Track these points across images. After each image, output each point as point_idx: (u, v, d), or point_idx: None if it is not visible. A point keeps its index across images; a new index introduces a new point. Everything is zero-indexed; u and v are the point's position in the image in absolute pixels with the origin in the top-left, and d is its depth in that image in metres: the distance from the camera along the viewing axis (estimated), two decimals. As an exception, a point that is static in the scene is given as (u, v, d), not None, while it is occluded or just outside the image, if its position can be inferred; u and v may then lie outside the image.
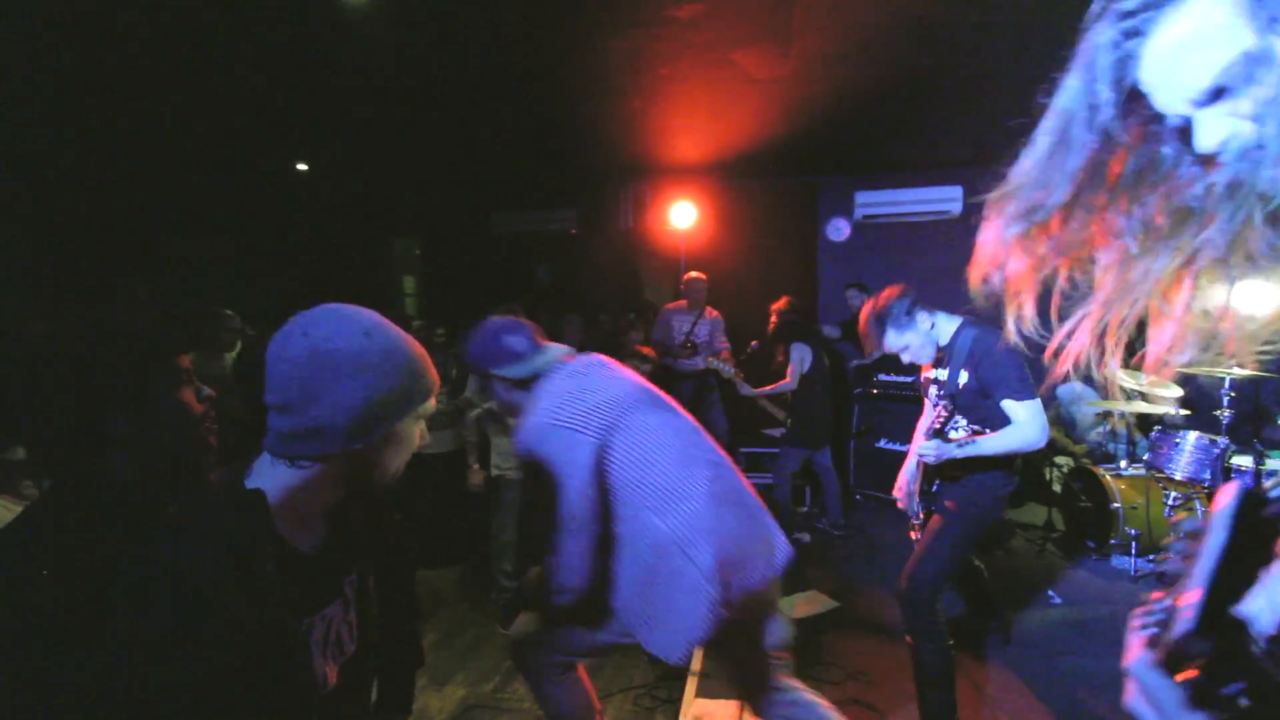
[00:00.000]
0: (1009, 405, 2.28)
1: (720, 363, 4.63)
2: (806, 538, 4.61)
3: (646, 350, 3.92)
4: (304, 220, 7.00)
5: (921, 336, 2.42)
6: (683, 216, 5.88)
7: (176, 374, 1.06)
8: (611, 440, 1.68)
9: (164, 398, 1.03)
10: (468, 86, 3.95)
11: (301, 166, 5.70)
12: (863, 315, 2.51)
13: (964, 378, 2.34)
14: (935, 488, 2.52)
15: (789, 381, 4.42)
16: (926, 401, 2.66)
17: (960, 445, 2.31)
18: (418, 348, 1.04)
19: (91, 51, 3.33)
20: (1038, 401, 2.27)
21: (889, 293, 2.44)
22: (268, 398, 0.95)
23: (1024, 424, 2.26)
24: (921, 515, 2.57)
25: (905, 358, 2.50)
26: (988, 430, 2.37)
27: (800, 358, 4.43)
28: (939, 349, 2.48)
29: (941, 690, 2.34)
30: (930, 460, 2.37)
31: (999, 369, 2.26)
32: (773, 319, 4.55)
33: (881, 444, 5.39)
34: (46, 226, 5.41)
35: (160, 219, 6.56)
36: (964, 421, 2.45)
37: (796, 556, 4.53)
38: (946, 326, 2.45)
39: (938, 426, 2.35)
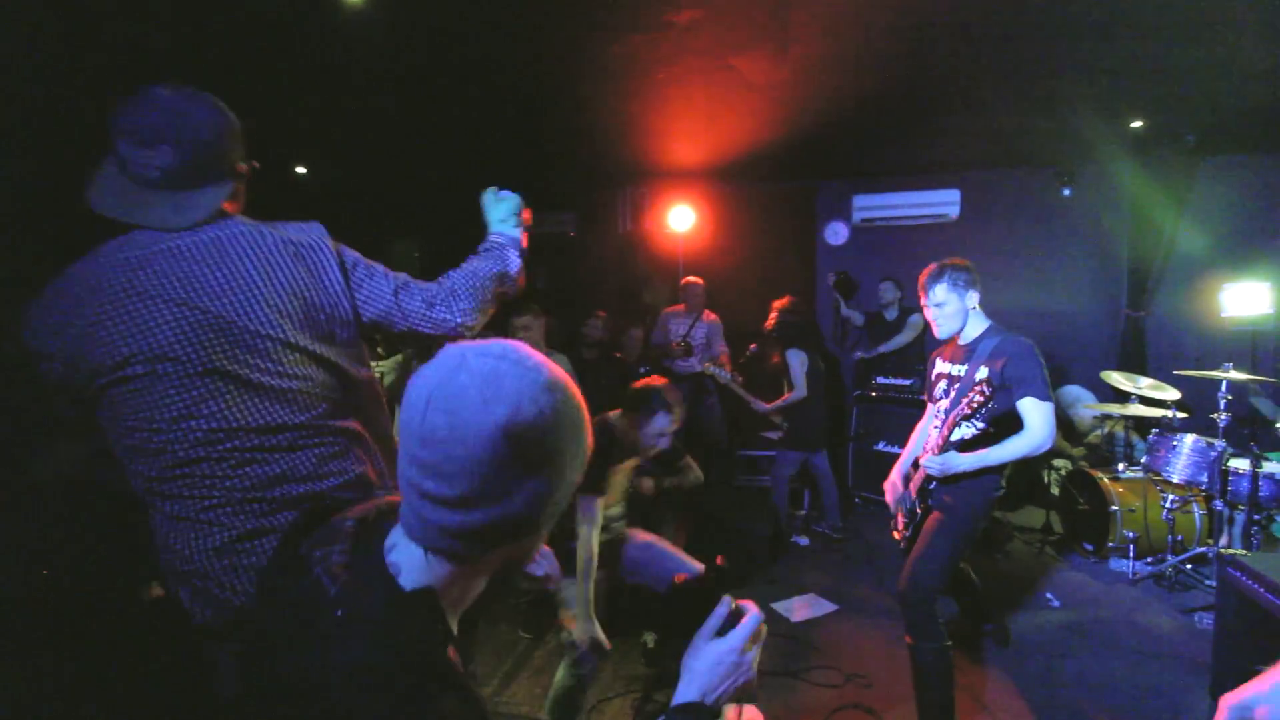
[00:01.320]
0: (1029, 403, 2.32)
1: (717, 368, 4.62)
2: (805, 541, 4.61)
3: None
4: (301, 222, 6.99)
5: (959, 307, 2.48)
6: (681, 220, 5.89)
7: None
8: None
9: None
10: (466, 90, 3.96)
11: (300, 169, 5.70)
12: (928, 268, 2.54)
13: (983, 372, 2.36)
14: (934, 485, 2.53)
15: (799, 390, 4.41)
16: (930, 405, 2.69)
17: (963, 458, 2.34)
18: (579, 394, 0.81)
19: (90, 51, 3.33)
20: (1052, 406, 2.33)
21: (960, 261, 2.51)
22: (425, 480, 0.70)
23: (1036, 428, 2.31)
24: (918, 511, 2.58)
25: (932, 315, 2.53)
26: (990, 428, 2.38)
27: (800, 364, 4.44)
28: (960, 346, 2.54)
29: (939, 691, 2.36)
30: (935, 472, 2.39)
31: (1028, 367, 2.34)
32: (772, 315, 4.55)
33: (880, 446, 5.40)
34: (44, 227, 5.40)
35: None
36: (975, 416, 2.43)
37: (795, 559, 4.57)
38: (977, 323, 2.52)
39: (968, 412, 2.30)
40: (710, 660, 0.87)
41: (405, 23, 3.11)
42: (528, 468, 0.71)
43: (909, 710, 2.60)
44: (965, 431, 2.39)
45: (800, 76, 3.72)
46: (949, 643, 2.38)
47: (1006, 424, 2.38)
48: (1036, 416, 2.31)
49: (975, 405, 2.25)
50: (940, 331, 2.54)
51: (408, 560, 0.75)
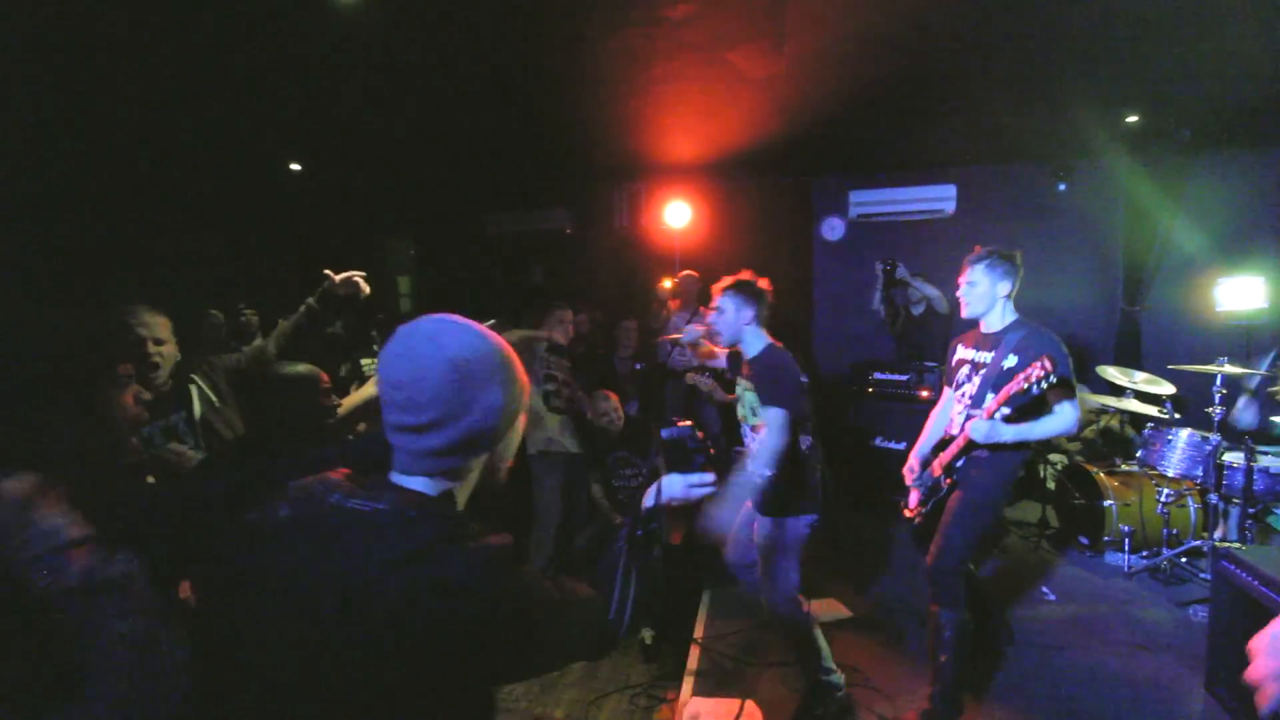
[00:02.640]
0: (1054, 394, 2.42)
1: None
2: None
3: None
4: (298, 220, 6.98)
5: (989, 291, 2.57)
6: (678, 216, 5.88)
7: (117, 378, 1.14)
8: None
9: (107, 401, 1.10)
10: (462, 86, 3.94)
11: (295, 166, 5.68)
12: (977, 249, 2.63)
13: (1011, 361, 2.46)
14: (962, 462, 2.60)
15: None
16: (947, 389, 2.80)
17: (1008, 427, 2.42)
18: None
19: (87, 51, 3.31)
20: (1077, 397, 2.47)
21: (1012, 252, 2.60)
22: (405, 418, 0.92)
23: (1066, 413, 2.43)
24: (942, 486, 2.64)
25: (963, 293, 2.64)
26: (1015, 414, 2.47)
27: None
28: (985, 334, 2.63)
29: (954, 657, 2.48)
30: (980, 439, 2.44)
31: (1062, 362, 2.41)
32: None
33: (877, 442, 5.40)
34: (41, 226, 5.38)
35: (153, 218, 6.53)
36: (992, 397, 2.53)
37: (792, 555, 4.52)
38: (1005, 313, 2.61)
39: (1025, 386, 2.35)
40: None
41: (400, 19, 3.09)
42: (476, 386, 0.92)
43: (906, 701, 2.61)
44: (1003, 410, 2.48)
45: (796, 71, 3.72)
46: (968, 615, 2.49)
47: (1032, 412, 2.47)
48: (1069, 406, 2.44)
49: (1036, 378, 2.30)
50: (966, 310, 2.64)
51: (416, 485, 0.95)
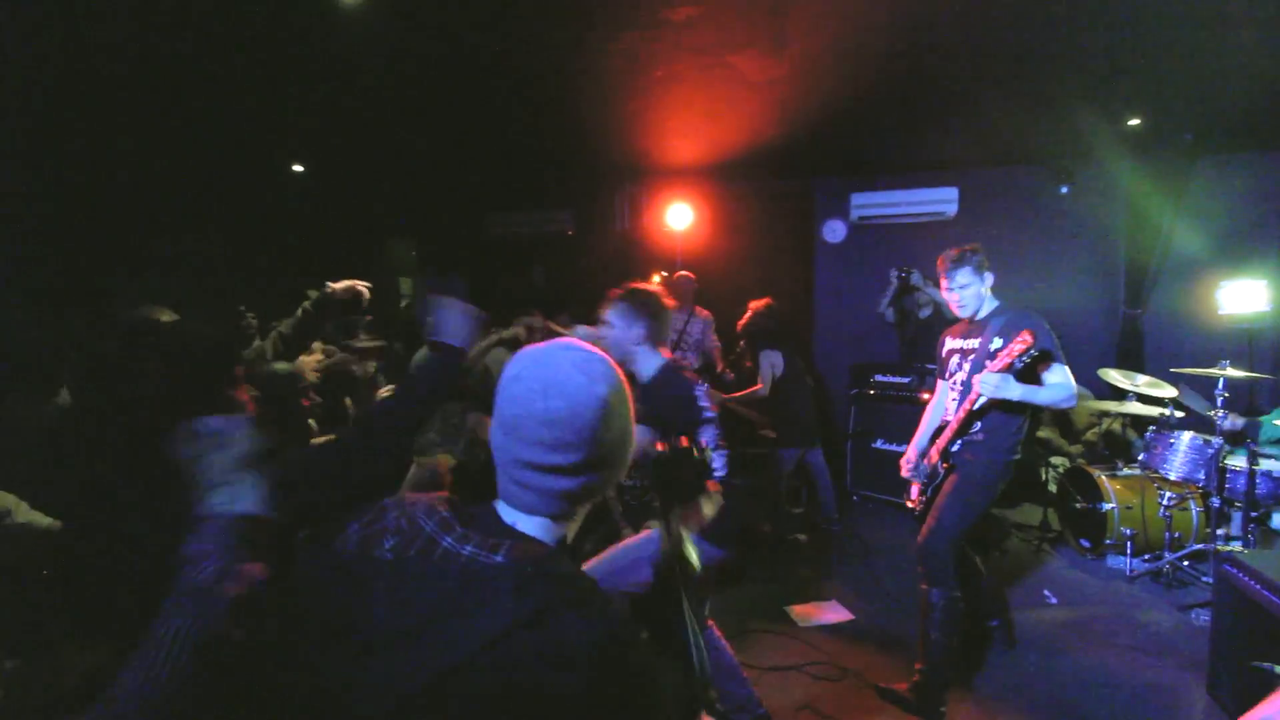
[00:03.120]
0: (1049, 369, 2.58)
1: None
2: (803, 538, 4.62)
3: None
4: (300, 221, 6.99)
5: (977, 289, 2.73)
6: (679, 218, 5.88)
7: (236, 380, 1.26)
8: None
9: (230, 400, 1.22)
10: (464, 88, 3.95)
11: (298, 168, 5.69)
12: (952, 251, 2.77)
13: (997, 343, 2.58)
14: (958, 446, 2.70)
15: (761, 388, 4.45)
16: (940, 382, 2.91)
17: (1017, 384, 2.49)
18: None
19: (87, 51, 3.32)
20: (1068, 368, 2.60)
21: (975, 245, 2.78)
22: (552, 457, 0.85)
23: (1063, 383, 2.57)
24: (940, 470, 2.74)
25: (952, 297, 2.78)
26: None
27: (771, 364, 4.46)
28: (972, 323, 2.77)
29: (943, 633, 2.56)
30: (989, 392, 2.50)
31: (1044, 338, 2.55)
32: (746, 316, 4.58)
33: (878, 444, 5.40)
34: (41, 226, 5.39)
35: (155, 220, 6.54)
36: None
37: (793, 556, 4.57)
38: (989, 302, 2.78)
39: (1020, 350, 2.44)
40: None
41: (403, 21, 3.10)
42: (614, 429, 0.87)
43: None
44: (982, 401, 2.61)
45: (798, 74, 3.72)
46: (959, 594, 2.58)
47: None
48: (1058, 375, 2.57)
49: (1018, 352, 2.41)
50: (964, 311, 2.77)
51: (533, 528, 0.88)
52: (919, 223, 5.98)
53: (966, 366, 2.72)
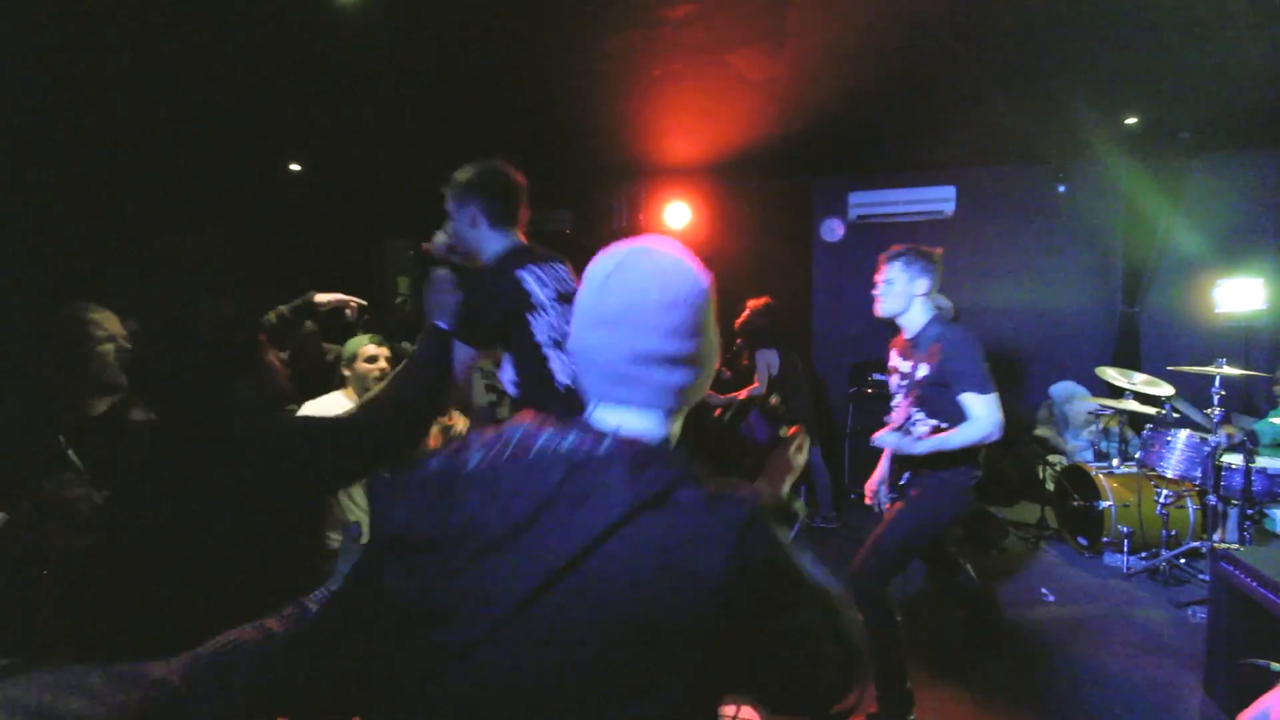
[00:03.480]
0: (968, 399, 2.36)
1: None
2: (802, 537, 4.62)
3: None
4: (298, 220, 6.97)
5: (905, 289, 2.52)
6: (677, 217, 5.88)
7: (263, 345, 1.43)
8: None
9: (264, 362, 1.40)
10: (461, 86, 3.95)
11: (295, 167, 5.68)
12: (895, 246, 2.59)
13: (923, 370, 2.42)
14: (904, 479, 2.59)
15: (757, 387, 4.45)
16: (896, 402, 2.74)
17: (919, 440, 2.39)
18: None
19: (86, 51, 3.31)
20: (996, 396, 2.37)
21: (930, 249, 2.56)
22: (666, 345, 0.83)
23: (981, 419, 2.34)
24: (887, 506, 2.65)
25: (879, 291, 2.59)
26: (944, 424, 2.44)
27: (767, 363, 4.46)
28: (907, 341, 2.58)
29: (885, 660, 2.44)
30: (891, 447, 2.45)
31: (961, 362, 2.37)
32: (744, 314, 4.58)
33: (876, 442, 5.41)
34: (39, 224, 5.38)
35: (152, 218, 6.52)
36: (923, 415, 2.51)
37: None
38: (921, 313, 2.54)
39: (901, 421, 2.41)
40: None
41: (400, 20, 3.10)
42: (711, 325, 0.88)
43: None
44: (921, 430, 2.46)
45: (796, 72, 3.72)
46: (898, 619, 2.45)
47: (955, 419, 2.42)
48: (979, 408, 2.35)
49: (908, 397, 2.35)
50: (879, 308, 2.59)
51: (639, 428, 0.84)
52: (917, 221, 5.98)
53: (900, 396, 2.59)
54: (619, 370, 0.83)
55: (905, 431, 2.45)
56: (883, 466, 2.79)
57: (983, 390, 2.35)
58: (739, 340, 4.92)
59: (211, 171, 5.62)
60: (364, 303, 2.26)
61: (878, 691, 2.50)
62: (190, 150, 5.04)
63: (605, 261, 0.88)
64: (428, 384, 1.61)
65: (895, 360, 2.68)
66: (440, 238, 2.10)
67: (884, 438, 2.47)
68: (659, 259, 0.86)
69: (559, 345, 1.80)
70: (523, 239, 2.00)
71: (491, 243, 1.95)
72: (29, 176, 5.08)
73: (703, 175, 6.08)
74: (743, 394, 4.52)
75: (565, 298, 1.86)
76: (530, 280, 1.83)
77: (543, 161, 5.77)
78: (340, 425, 1.45)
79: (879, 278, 2.59)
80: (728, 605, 0.70)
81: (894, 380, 2.66)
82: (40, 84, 3.68)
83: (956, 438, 2.37)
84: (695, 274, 0.87)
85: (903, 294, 2.52)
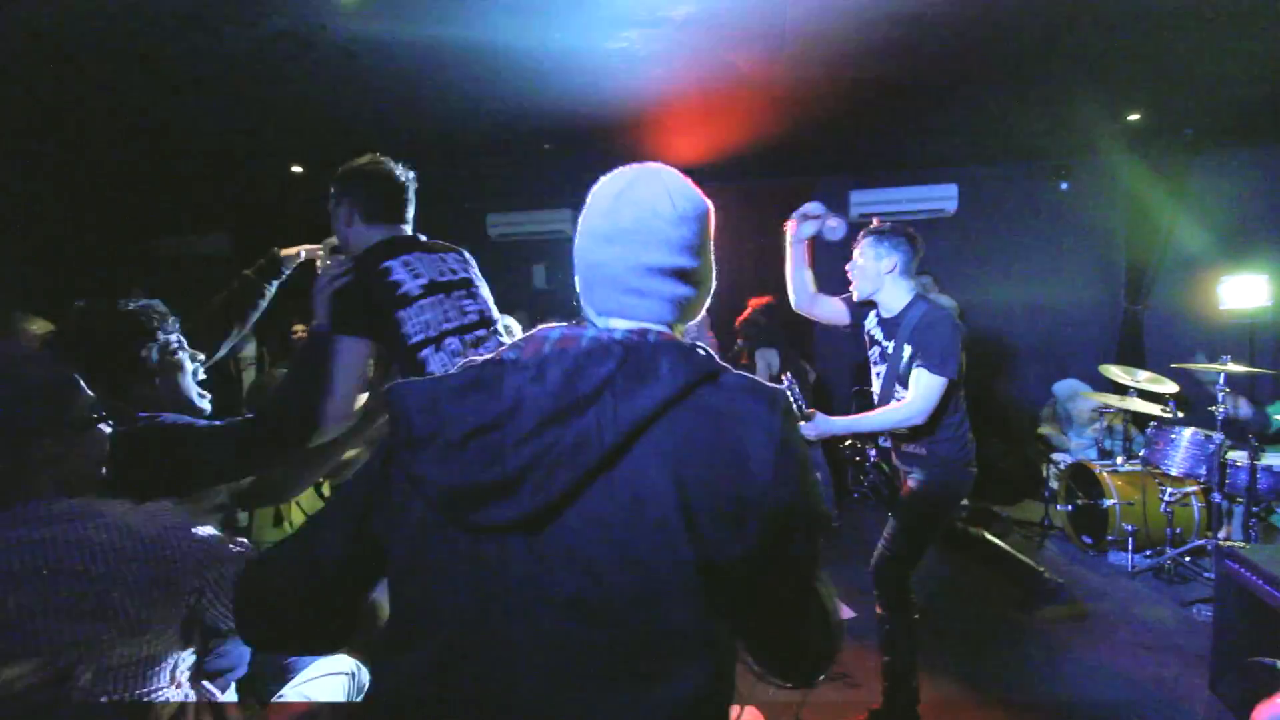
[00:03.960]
0: (917, 373, 2.30)
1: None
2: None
3: None
4: (299, 221, 6.99)
5: (874, 269, 2.44)
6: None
7: (134, 367, 1.61)
8: None
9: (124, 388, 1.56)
10: (460, 87, 3.95)
11: (297, 169, 5.69)
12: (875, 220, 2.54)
13: (907, 351, 2.39)
14: (898, 463, 2.62)
15: None
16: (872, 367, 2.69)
17: (833, 420, 2.43)
18: None
19: (88, 53, 3.32)
20: (943, 382, 2.27)
21: (900, 227, 2.48)
22: (680, 260, 0.87)
23: (914, 398, 2.29)
24: (886, 492, 2.67)
25: (850, 272, 2.55)
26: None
27: (767, 363, 4.44)
28: (887, 320, 2.50)
29: (902, 659, 2.45)
30: (811, 437, 2.44)
31: (931, 340, 2.30)
32: (746, 313, 4.56)
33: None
34: (45, 228, 5.40)
35: (155, 220, 6.56)
36: (901, 391, 2.47)
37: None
38: (898, 293, 2.45)
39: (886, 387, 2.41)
40: None
41: (400, 20, 3.10)
42: (711, 248, 0.94)
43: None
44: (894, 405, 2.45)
45: (796, 72, 3.71)
46: (916, 615, 2.46)
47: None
48: (920, 387, 2.28)
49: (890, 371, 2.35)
50: (855, 291, 2.55)
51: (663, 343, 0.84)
52: (919, 220, 5.97)
53: (883, 369, 2.54)
54: (630, 283, 0.87)
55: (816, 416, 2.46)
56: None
57: (934, 369, 2.27)
58: (740, 339, 4.92)
59: (213, 173, 5.64)
60: (333, 241, 2.05)
61: (885, 685, 2.51)
62: (192, 152, 5.05)
63: (614, 181, 0.92)
64: (302, 384, 1.63)
65: (874, 330, 2.58)
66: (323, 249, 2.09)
67: (809, 426, 2.46)
68: (668, 178, 0.90)
69: (437, 341, 1.68)
70: (405, 233, 1.89)
71: (366, 241, 1.82)
72: (30, 179, 5.11)
73: (703, 175, 6.04)
74: None
75: (446, 287, 1.76)
76: (398, 270, 1.71)
77: (542, 162, 5.78)
78: (216, 430, 1.52)
79: (856, 256, 2.55)
80: (775, 477, 0.75)
81: (873, 351, 2.60)
82: (43, 89, 3.70)
83: (876, 419, 2.38)
84: (701, 194, 0.91)
85: (872, 274, 2.45)
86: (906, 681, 2.46)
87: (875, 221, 2.51)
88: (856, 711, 2.60)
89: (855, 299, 2.57)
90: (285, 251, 2.34)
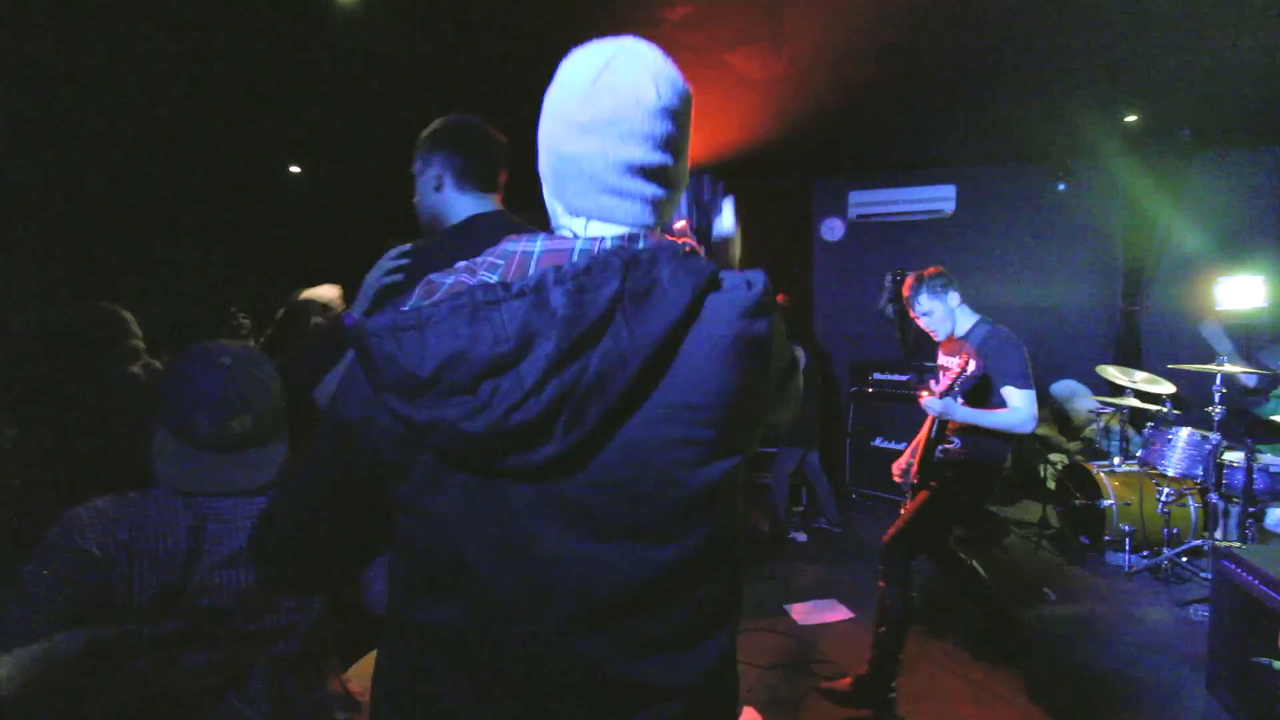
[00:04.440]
0: (1009, 392, 2.61)
1: None
2: (803, 536, 4.62)
3: None
4: (298, 221, 6.98)
5: (945, 310, 2.76)
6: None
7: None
8: None
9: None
10: (458, 87, 3.95)
11: (295, 169, 5.69)
12: (908, 281, 2.82)
13: (973, 366, 2.61)
14: (939, 455, 2.75)
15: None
16: (932, 383, 2.90)
17: (962, 407, 2.64)
18: None
19: (90, 52, 3.32)
20: (1034, 393, 2.61)
21: (934, 269, 2.79)
22: (665, 157, 0.80)
23: (1019, 409, 2.59)
24: (915, 481, 2.80)
25: (924, 324, 2.83)
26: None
27: (800, 357, 4.46)
28: (954, 339, 2.80)
29: (894, 631, 2.62)
30: (935, 411, 2.66)
31: (1006, 361, 2.62)
32: None
33: (877, 442, 5.41)
34: (47, 227, 5.39)
35: (155, 221, 6.53)
36: (962, 403, 2.74)
37: (793, 556, 4.57)
38: (965, 318, 2.79)
39: (951, 380, 2.61)
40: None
41: (399, 20, 3.10)
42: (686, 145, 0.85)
43: (894, 709, 2.61)
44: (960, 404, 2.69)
45: (795, 72, 3.72)
46: (914, 594, 2.65)
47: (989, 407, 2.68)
48: (1018, 399, 2.59)
49: (958, 371, 2.54)
50: (937, 334, 2.82)
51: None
52: (917, 220, 5.99)
53: (945, 383, 2.78)
54: (609, 181, 0.78)
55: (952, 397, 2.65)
56: (913, 448, 2.92)
57: (1022, 386, 2.59)
58: None
59: (211, 173, 5.63)
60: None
61: (871, 656, 2.63)
62: (190, 152, 5.04)
63: (590, 60, 0.80)
64: (308, 361, 1.62)
65: (942, 359, 2.87)
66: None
67: (930, 402, 2.65)
68: (653, 61, 0.80)
69: None
70: (499, 206, 1.70)
71: (458, 208, 1.64)
72: (30, 179, 5.09)
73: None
74: None
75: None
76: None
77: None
78: None
79: (913, 314, 2.82)
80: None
81: (942, 377, 2.84)
82: (42, 86, 3.69)
83: (994, 417, 2.62)
84: (683, 77, 0.82)
85: (946, 316, 2.76)
86: (892, 655, 2.61)
87: (902, 276, 2.79)
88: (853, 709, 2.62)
89: (938, 340, 2.86)
90: (309, 294, 2.40)
